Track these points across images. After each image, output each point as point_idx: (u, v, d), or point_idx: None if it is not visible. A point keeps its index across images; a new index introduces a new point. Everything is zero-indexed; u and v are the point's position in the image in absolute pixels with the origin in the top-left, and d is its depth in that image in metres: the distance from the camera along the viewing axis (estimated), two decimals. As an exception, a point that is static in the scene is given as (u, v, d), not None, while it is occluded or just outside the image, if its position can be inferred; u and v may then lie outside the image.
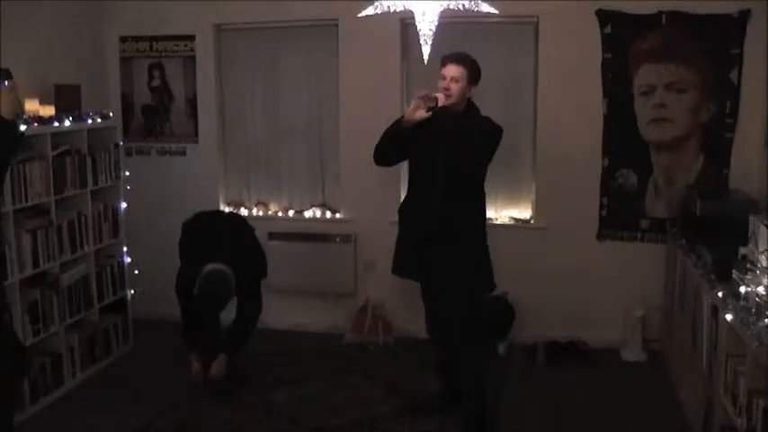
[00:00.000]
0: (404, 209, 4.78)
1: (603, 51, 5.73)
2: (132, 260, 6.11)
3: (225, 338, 5.36)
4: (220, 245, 5.21)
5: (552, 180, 5.96)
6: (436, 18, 3.84)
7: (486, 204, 5.72)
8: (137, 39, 6.58)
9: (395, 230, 6.16)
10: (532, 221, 6.13)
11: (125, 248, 6.02)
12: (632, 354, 5.78)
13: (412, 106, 4.21)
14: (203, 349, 5.29)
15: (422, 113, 4.18)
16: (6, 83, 4.51)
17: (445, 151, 4.33)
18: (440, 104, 4.28)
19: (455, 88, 4.34)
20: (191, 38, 6.48)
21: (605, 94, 5.78)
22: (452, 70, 4.34)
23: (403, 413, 4.90)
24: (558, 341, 5.85)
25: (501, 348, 5.90)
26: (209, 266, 5.04)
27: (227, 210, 6.50)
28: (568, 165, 5.89)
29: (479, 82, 4.48)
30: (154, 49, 6.56)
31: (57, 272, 5.17)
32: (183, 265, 5.31)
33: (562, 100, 5.85)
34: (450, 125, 4.36)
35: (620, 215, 5.90)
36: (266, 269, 5.50)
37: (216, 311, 5.17)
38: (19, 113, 4.89)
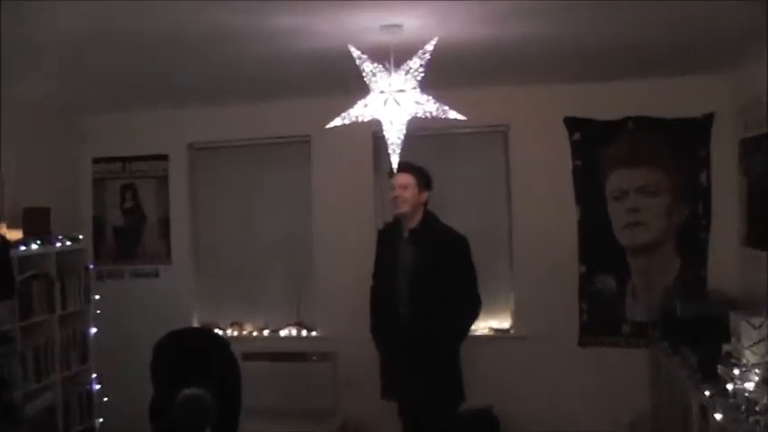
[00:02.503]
0: (374, 327, 4.73)
1: (574, 158, 5.79)
2: (101, 387, 5.90)
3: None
4: (194, 366, 5.05)
5: (530, 289, 5.90)
6: (404, 127, 3.83)
7: None
8: (109, 160, 6.60)
9: (374, 348, 6.10)
10: (512, 331, 6.04)
11: (94, 375, 5.83)
12: (621, 464, 5.59)
13: None
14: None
15: None
16: None
17: (407, 268, 4.39)
18: (398, 211, 4.42)
19: (406, 195, 4.38)
20: (164, 157, 6.50)
21: (578, 201, 5.80)
22: (401, 179, 4.40)
23: None
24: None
25: (487, 465, 5.69)
26: (184, 392, 4.87)
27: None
28: (546, 273, 5.85)
29: (431, 187, 4.52)
30: (127, 170, 6.57)
31: (20, 402, 4.96)
32: (156, 391, 5.12)
33: (536, 207, 5.86)
34: (408, 240, 4.43)
35: (600, 321, 5.82)
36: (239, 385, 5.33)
37: None
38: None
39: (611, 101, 5.69)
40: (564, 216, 5.82)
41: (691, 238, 5.63)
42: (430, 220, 4.49)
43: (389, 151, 3.88)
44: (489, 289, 6.00)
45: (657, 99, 5.61)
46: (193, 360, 5.15)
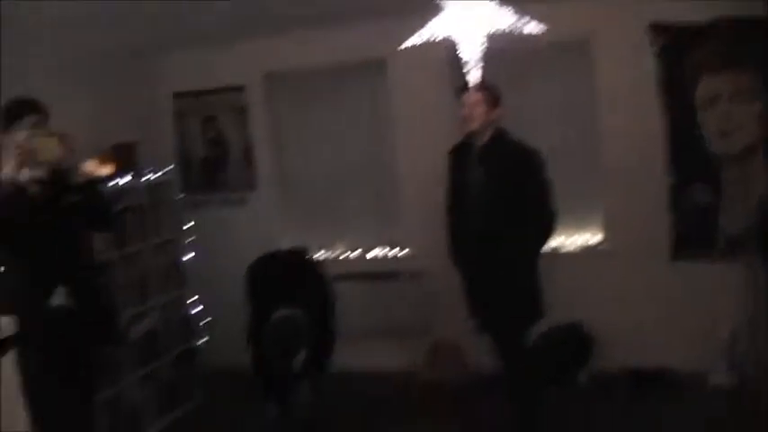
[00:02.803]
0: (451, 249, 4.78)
1: (660, 65, 5.55)
2: (199, 311, 6.11)
3: (301, 382, 5.27)
4: (287, 287, 5.17)
5: (620, 202, 5.77)
6: (481, 44, 3.75)
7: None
8: (190, 94, 6.68)
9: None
10: (602, 246, 5.94)
11: (191, 299, 6.04)
12: (720, 378, 5.48)
13: None
14: (278, 398, 5.22)
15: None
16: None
17: (478, 187, 4.39)
18: (469, 129, 4.41)
19: (477, 112, 4.35)
20: (241, 88, 6.55)
21: (667, 110, 5.58)
22: (471, 97, 4.37)
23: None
24: (640, 370, 5.61)
25: (581, 378, 5.69)
26: (277, 313, 4.99)
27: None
28: (636, 185, 5.69)
29: (500, 104, 4.47)
30: (207, 102, 6.64)
31: (123, 326, 5.18)
32: (251, 313, 5.27)
33: (623, 119, 5.67)
34: (478, 158, 4.41)
35: (693, 233, 5.65)
36: (333, 305, 5.44)
37: (288, 360, 5.09)
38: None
39: (697, 3, 5.39)
40: (652, 126, 5.60)
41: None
42: (500, 136, 4.43)
43: (466, 69, 3.81)
44: (578, 203, 5.97)
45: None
46: (286, 281, 5.28)
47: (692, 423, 4.94)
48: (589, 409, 5.28)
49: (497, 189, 4.32)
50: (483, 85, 4.36)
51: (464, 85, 4.36)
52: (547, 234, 4.51)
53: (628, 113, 5.66)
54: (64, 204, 3.76)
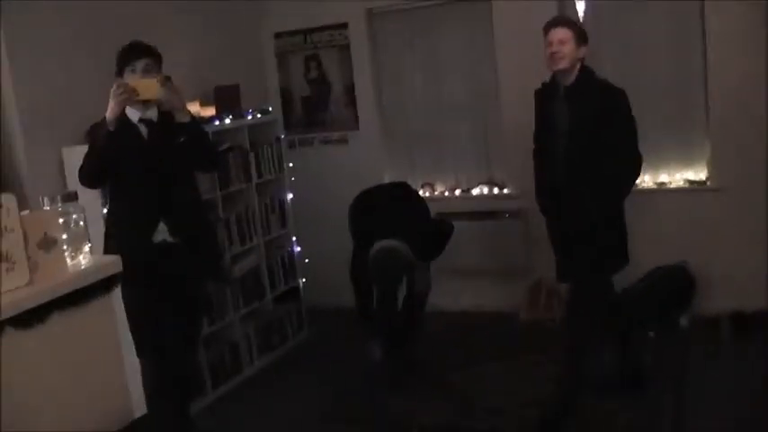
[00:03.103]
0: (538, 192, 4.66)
1: (769, 3, 5.26)
2: (302, 250, 6.23)
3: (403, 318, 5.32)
4: (388, 218, 5.20)
5: (727, 138, 5.54)
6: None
7: (658, 167, 5.53)
8: (291, 33, 6.73)
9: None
10: (708, 183, 5.75)
11: (294, 239, 6.15)
12: (832, 319, 5.29)
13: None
14: (382, 334, 5.28)
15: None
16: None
17: (564, 127, 4.24)
18: (557, 68, 4.17)
19: (564, 50, 4.13)
20: (344, 26, 6.54)
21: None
22: (558, 34, 4.15)
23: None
24: (744, 312, 5.43)
25: (683, 321, 5.56)
26: (379, 244, 5.03)
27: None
28: (743, 122, 5.46)
29: (587, 42, 4.24)
30: (308, 41, 6.67)
31: (229, 264, 5.33)
32: (355, 247, 5.32)
33: (732, 55, 5.43)
34: (564, 98, 4.25)
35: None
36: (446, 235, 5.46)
37: (391, 289, 5.11)
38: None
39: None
40: (759, 64, 5.33)
41: None
42: (586, 75, 4.25)
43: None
44: (684, 139, 5.82)
45: None
46: (387, 213, 5.30)
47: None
48: (690, 351, 5.17)
49: (582, 129, 4.18)
50: (569, 22, 4.23)
51: (551, 22, 4.23)
52: (633, 176, 4.35)
53: (735, 50, 5.42)
54: (170, 143, 3.87)
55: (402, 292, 5.11)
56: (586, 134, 4.16)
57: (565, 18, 4.23)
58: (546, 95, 4.44)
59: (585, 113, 4.16)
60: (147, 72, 3.82)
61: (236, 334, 5.45)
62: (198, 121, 4.20)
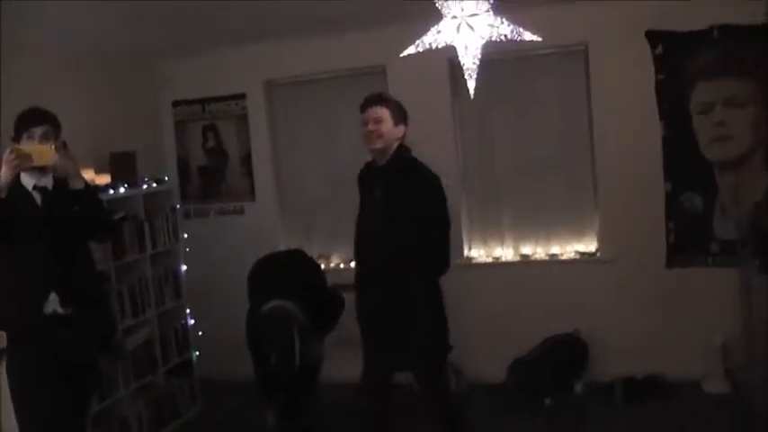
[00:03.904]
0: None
1: (657, 72, 5.58)
2: (195, 321, 6.10)
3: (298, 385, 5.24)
4: (281, 281, 5.15)
5: (616, 210, 5.80)
6: (479, 51, 3.75)
7: (549, 239, 5.73)
8: (189, 102, 6.70)
9: (460, 274, 6.05)
10: (599, 254, 5.96)
11: (188, 310, 6.03)
12: (714, 386, 5.51)
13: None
14: (277, 402, 5.19)
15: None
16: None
17: (377, 208, 4.13)
18: (372, 147, 4.12)
19: (381, 129, 4.06)
20: (242, 96, 6.56)
21: (662, 116, 5.61)
22: (374, 112, 4.09)
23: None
24: (636, 377, 5.61)
25: (577, 388, 5.69)
26: (268, 305, 4.96)
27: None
28: (631, 192, 5.73)
29: (407, 121, 4.21)
30: (206, 110, 6.66)
31: (120, 337, 5.17)
32: (249, 310, 5.23)
33: (618, 126, 5.71)
34: (378, 178, 4.15)
35: (688, 240, 5.67)
36: (338, 305, 5.41)
37: (283, 348, 4.97)
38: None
39: (694, 11, 5.38)
40: (647, 133, 5.63)
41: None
42: (402, 156, 4.15)
43: (466, 77, 3.79)
44: (573, 212, 6.01)
45: (744, 5, 5.26)
46: (279, 277, 5.26)
47: (685, 428, 4.97)
48: (585, 416, 5.28)
49: (395, 212, 4.02)
50: (387, 100, 4.17)
51: (368, 100, 4.17)
52: (433, 268, 4.13)
53: (624, 120, 5.69)
54: (65, 212, 3.77)
55: (296, 356, 5.04)
56: (397, 217, 4.01)
57: (382, 96, 4.17)
58: (366, 176, 4.34)
59: (397, 195, 4.03)
60: (45, 138, 3.72)
61: (126, 410, 5.24)
62: (92, 189, 4.10)
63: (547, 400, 5.52)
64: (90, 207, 3.87)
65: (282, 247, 6.48)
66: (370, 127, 4.08)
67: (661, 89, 5.59)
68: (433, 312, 4.15)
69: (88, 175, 5.18)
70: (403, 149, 4.18)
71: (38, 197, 3.77)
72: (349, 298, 5.73)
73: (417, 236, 3.99)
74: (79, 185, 3.81)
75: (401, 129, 4.16)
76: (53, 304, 3.77)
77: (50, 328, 3.75)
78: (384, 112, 4.10)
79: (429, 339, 4.14)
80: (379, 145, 4.09)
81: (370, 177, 4.27)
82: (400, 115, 4.17)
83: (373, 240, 4.14)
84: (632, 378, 5.60)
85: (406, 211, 4.00)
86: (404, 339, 4.07)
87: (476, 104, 5.82)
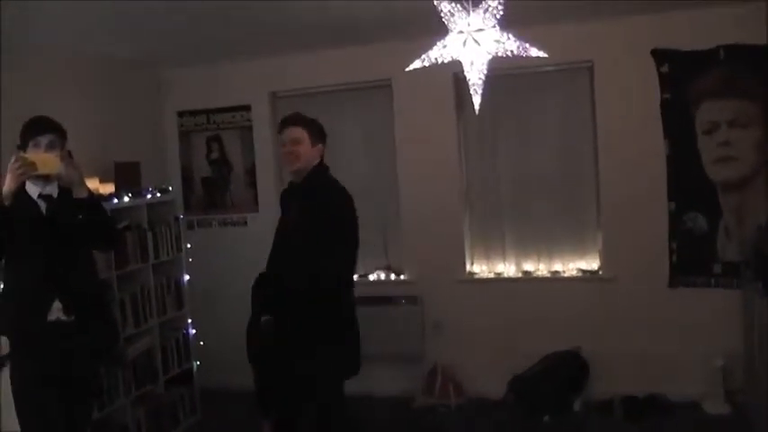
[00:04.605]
0: None
1: (662, 91, 5.61)
2: (197, 331, 6.09)
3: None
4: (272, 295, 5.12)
5: (618, 228, 5.79)
6: (485, 67, 3.77)
7: (552, 257, 5.73)
8: (194, 113, 6.72)
9: (462, 289, 6.14)
10: (601, 272, 5.95)
11: (189, 320, 6.02)
12: (714, 406, 5.49)
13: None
14: (276, 414, 5.16)
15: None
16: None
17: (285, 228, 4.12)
18: (291, 168, 4.10)
19: (299, 150, 4.02)
20: (247, 108, 6.58)
21: (667, 135, 5.63)
22: (292, 133, 4.05)
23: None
24: (636, 396, 5.59)
25: (576, 405, 5.68)
26: (265, 317, 4.93)
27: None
28: (634, 211, 5.73)
29: (325, 140, 4.18)
30: (211, 121, 6.67)
31: (122, 346, 5.16)
32: (250, 318, 5.19)
33: (623, 144, 5.72)
34: (292, 197, 4.16)
35: (691, 260, 5.67)
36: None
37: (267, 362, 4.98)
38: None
39: (700, 30, 5.44)
40: (652, 152, 5.65)
41: (786, 173, 5.41)
42: (316, 174, 4.09)
43: (471, 92, 3.81)
44: (576, 229, 6.01)
45: (750, 25, 5.31)
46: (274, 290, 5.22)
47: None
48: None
49: (293, 231, 4.01)
50: (305, 120, 4.14)
51: (285, 120, 4.14)
52: (305, 289, 3.91)
53: (628, 138, 5.71)
54: (69, 220, 3.77)
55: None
56: (298, 236, 3.96)
57: (300, 116, 4.13)
58: (285, 195, 4.34)
59: (301, 215, 3.99)
60: (51, 147, 3.72)
61: (126, 418, 5.23)
62: (96, 198, 4.11)
63: (546, 417, 5.50)
64: (94, 216, 3.88)
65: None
66: (287, 149, 4.05)
67: (666, 108, 5.61)
68: (306, 339, 3.97)
69: (93, 184, 5.19)
70: (321, 168, 4.13)
71: (42, 205, 3.78)
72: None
73: (300, 256, 3.91)
74: (83, 194, 3.81)
75: (319, 148, 4.11)
76: (56, 312, 3.77)
77: (53, 335, 3.75)
78: (302, 133, 4.06)
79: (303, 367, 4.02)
80: (296, 166, 4.06)
81: (287, 196, 4.27)
82: (318, 135, 4.13)
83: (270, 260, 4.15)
84: (632, 397, 5.59)
85: (307, 230, 3.92)
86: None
87: (480, 120, 5.87)
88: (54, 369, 3.77)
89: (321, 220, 3.92)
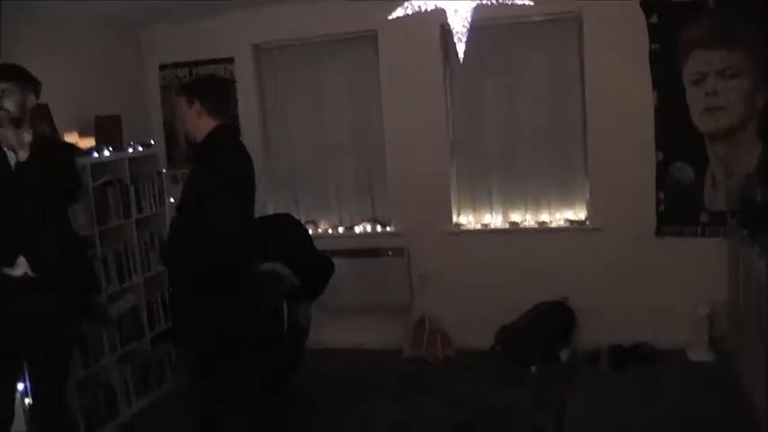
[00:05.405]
0: None
1: (651, 42, 5.52)
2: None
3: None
4: (270, 244, 5.10)
5: (606, 178, 5.76)
6: (469, 14, 3.69)
7: (532, 207, 5.84)
8: (176, 66, 6.58)
9: (449, 241, 6.11)
10: (588, 223, 5.93)
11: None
12: (699, 354, 5.53)
13: None
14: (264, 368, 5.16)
15: None
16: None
17: None
18: None
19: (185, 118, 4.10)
20: (230, 60, 6.45)
21: (655, 86, 5.56)
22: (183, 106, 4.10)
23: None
24: (622, 345, 5.61)
25: (563, 356, 5.70)
26: (261, 267, 4.92)
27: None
28: (622, 161, 5.69)
29: (202, 93, 4.07)
30: (193, 74, 6.53)
31: (105, 303, 5.12)
32: None
33: (611, 95, 5.65)
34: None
35: (678, 210, 5.66)
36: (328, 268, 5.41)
37: (275, 308, 4.99)
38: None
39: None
40: (640, 103, 5.59)
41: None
42: (213, 136, 4.07)
43: (455, 40, 3.74)
44: (564, 180, 5.97)
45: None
46: (270, 239, 5.20)
47: (670, 395, 4.98)
48: (570, 382, 5.29)
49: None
50: (181, 88, 4.20)
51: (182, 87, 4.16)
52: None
53: (616, 89, 5.63)
54: (35, 176, 3.67)
55: (285, 319, 5.04)
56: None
57: (180, 86, 4.21)
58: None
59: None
60: (8, 95, 3.60)
61: (112, 377, 5.21)
62: (64, 151, 4.02)
63: (533, 368, 5.52)
64: (56, 169, 3.77)
65: (270, 213, 6.43)
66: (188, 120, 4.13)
67: (655, 58, 5.54)
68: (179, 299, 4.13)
69: (72, 138, 5.12)
70: (217, 130, 4.08)
71: (13, 159, 3.68)
72: (338, 265, 5.76)
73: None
74: (22, 158, 3.68)
75: (195, 105, 4.05)
76: (23, 267, 3.70)
77: (19, 290, 3.69)
78: (181, 101, 4.08)
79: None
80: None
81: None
82: (191, 94, 4.08)
83: None
84: (618, 346, 5.61)
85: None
86: None
87: (467, 70, 5.79)
88: (20, 324, 3.71)
89: (209, 181, 3.95)
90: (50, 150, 3.83)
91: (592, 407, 4.87)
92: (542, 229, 6.00)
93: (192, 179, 4.07)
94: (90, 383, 5.03)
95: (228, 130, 4.21)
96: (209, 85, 4.27)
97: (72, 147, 4.52)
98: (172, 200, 6.04)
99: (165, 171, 6.06)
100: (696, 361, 5.50)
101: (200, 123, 4.05)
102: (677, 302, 5.61)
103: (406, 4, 3.69)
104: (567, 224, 5.98)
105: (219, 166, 4.02)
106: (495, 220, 6.15)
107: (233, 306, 4.07)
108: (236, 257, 4.07)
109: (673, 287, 5.65)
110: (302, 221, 6.21)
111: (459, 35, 3.70)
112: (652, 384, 5.18)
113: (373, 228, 6.43)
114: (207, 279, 3.96)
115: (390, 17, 3.76)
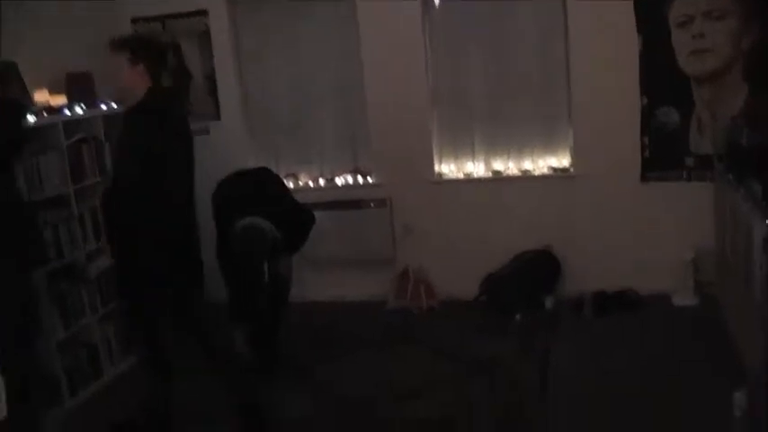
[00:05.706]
0: None
1: (636, -17, 5.41)
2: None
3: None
4: (250, 199, 5.05)
5: (590, 124, 5.68)
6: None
7: (515, 155, 5.79)
8: (148, 19, 6.41)
9: (431, 190, 6.05)
10: (572, 169, 5.87)
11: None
12: (684, 299, 5.52)
13: None
14: (247, 322, 5.14)
15: None
16: None
17: None
18: None
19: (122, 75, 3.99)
20: (203, 13, 6.29)
21: (640, 30, 5.45)
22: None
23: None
24: (606, 291, 5.60)
25: (548, 303, 5.69)
26: (243, 221, 4.88)
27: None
28: (605, 107, 5.61)
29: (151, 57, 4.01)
30: (167, 28, 6.38)
31: (83, 262, 5.05)
32: (217, 230, 5.14)
33: (595, 40, 5.54)
34: None
35: (663, 155, 5.59)
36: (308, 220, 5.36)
37: (257, 263, 4.98)
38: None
39: None
40: (624, 46, 5.49)
41: (759, 64, 5.25)
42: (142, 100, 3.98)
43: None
44: (547, 127, 5.89)
45: None
46: (250, 193, 5.16)
47: (655, 341, 4.98)
48: (555, 330, 5.29)
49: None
50: (120, 43, 4.03)
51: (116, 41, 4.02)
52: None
53: (600, 33, 5.54)
54: None
55: (265, 272, 5.02)
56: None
57: (117, 40, 4.03)
58: None
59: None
60: None
61: (94, 336, 5.17)
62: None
63: (518, 316, 5.50)
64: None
65: (250, 166, 6.34)
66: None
67: (639, 1, 5.41)
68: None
69: (42, 95, 5.00)
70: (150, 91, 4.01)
71: None
72: (319, 217, 5.69)
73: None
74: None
75: (139, 67, 3.98)
76: None
77: None
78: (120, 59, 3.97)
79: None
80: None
81: None
82: (137, 53, 3.99)
83: None
84: (602, 292, 5.60)
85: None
86: None
87: (448, 19, 5.71)
88: None
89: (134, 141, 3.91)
90: None
91: (577, 354, 4.86)
92: (525, 177, 5.94)
93: (132, 139, 3.94)
94: (72, 343, 4.99)
95: (166, 91, 4.16)
96: (155, 50, 4.15)
97: (19, 104, 4.40)
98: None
99: (140, 127, 5.93)
100: (681, 306, 5.49)
101: (136, 84, 3.95)
102: (662, 248, 5.59)
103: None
104: (551, 171, 5.92)
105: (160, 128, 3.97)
106: (477, 168, 6.08)
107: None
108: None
109: (658, 233, 5.62)
110: (282, 175, 6.13)
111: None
112: (637, 330, 5.17)
113: (355, 179, 6.36)
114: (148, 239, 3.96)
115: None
